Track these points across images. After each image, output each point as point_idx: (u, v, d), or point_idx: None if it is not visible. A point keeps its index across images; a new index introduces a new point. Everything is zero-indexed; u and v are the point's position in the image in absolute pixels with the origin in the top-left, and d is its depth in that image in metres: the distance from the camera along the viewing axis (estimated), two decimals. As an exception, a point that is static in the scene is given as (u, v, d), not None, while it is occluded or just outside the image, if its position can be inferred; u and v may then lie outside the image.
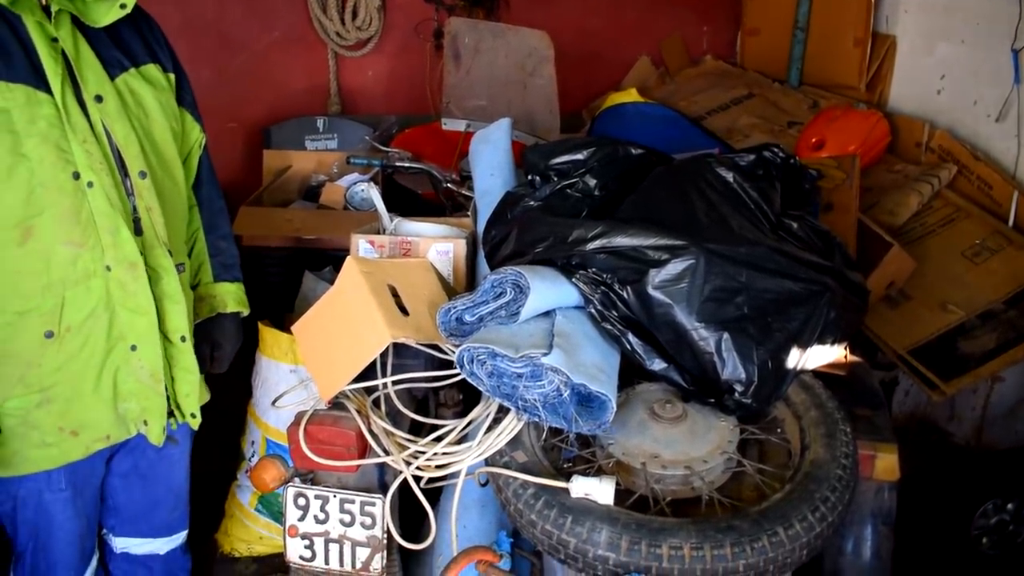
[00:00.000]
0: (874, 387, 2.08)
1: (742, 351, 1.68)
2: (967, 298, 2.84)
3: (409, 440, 1.77)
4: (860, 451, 1.74)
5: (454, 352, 1.72)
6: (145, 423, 1.83)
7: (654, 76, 4.70)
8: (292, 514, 1.83)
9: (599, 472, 1.63)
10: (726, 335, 1.68)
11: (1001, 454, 3.19)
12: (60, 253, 1.64)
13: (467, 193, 2.92)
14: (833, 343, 1.82)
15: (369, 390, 1.87)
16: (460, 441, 1.76)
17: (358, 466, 1.79)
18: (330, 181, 3.45)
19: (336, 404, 1.84)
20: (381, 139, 3.77)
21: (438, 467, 1.73)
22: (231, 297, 2.06)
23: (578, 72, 4.03)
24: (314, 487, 1.83)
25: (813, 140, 3.28)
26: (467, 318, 1.74)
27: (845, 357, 2.03)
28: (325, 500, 1.81)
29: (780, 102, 3.98)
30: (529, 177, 2.14)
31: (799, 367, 1.76)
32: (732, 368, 1.68)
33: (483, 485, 1.84)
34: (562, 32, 3.61)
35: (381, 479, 1.86)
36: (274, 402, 2.13)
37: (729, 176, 1.97)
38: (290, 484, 1.83)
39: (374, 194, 2.29)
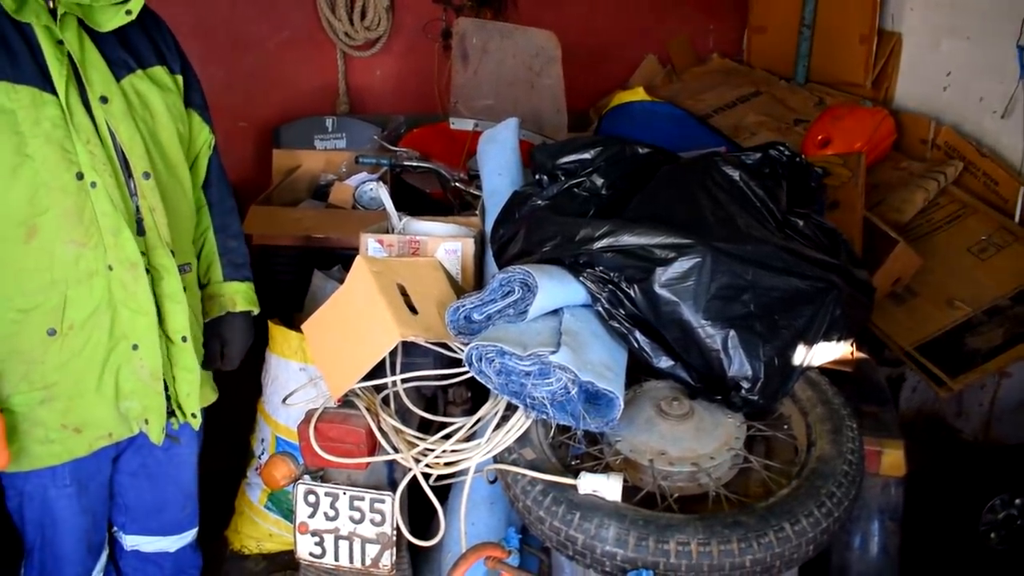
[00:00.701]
0: (880, 384, 2.08)
1: (748, 348, 1.68)
2: (973, 294, 2.84)
3: (418, 438, 1.78)
4: (866, 447, 1.75)
5: (463, 350, 1.74)
6: (146, 422, 1.85)
7: (661, 75, 4.70)
8: (302, 511, 1.84)
9: (607, 469, 1.64)
10: (733, 332, 1.69)
11: (1009, 449, 3.19)
12: (63, 252, 1.67)
13: (475, 192, 2.93)
14: (839, 340, 1.83)
15: (378, 388, 1.89)
16: (469, 439, 1.77)
17: (368, 463, 1.81)
18: (339, 180, 3.46)
19: (346, 402, 1.85)
20: (389, 139, 3.78)
21: (447, 464, 1.74)
22: (241, 296, 2.08)
23: (585, 71, 4.03)
24: (324, 484, 1.84)
25: (819, 138, 3.28)
26: (475, 316, 1.75)
27: (851, 354, 2.03)
28: (335, 497, 1.82)
29: (787, 100, 3.98)
30: (536, 176, 2.15)
31: (805, 364, 1.77)
32: (739, 365, 1.68)
33: (492, 482, 1.86)
34: (569, 31, 3.61)
35: (390, 476, 1.87)
36: (285, 399, 2.15)
37: (735, 175, 1.98)
38: (300, 481, 1.85)
39: (383, 193, 2.31)
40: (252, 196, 3.28)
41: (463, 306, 1.76)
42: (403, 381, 1.87)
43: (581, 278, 1.76)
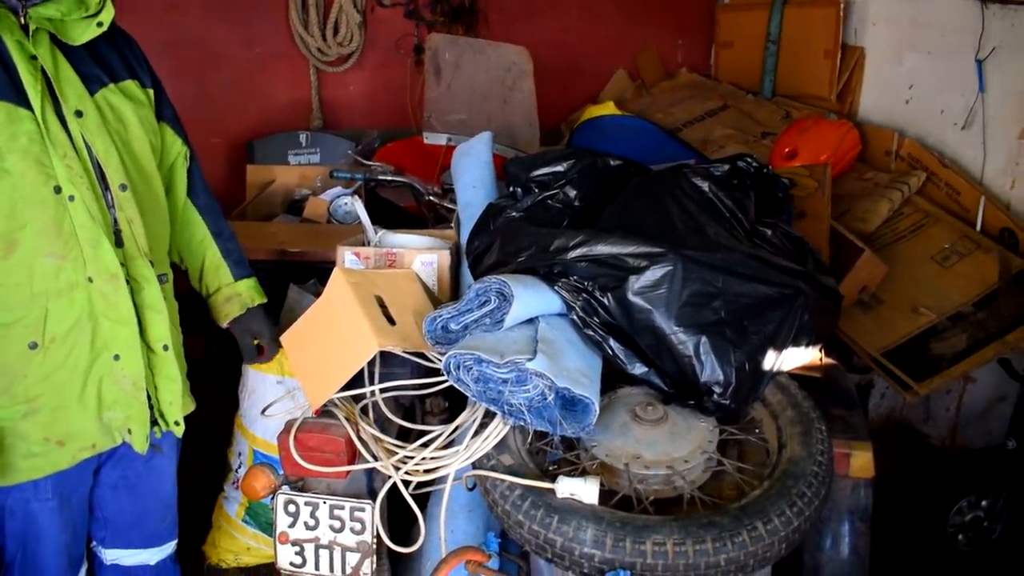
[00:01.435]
0: (849, 388, 2.13)
1: (720, 354, 1.72)
2: (938, 301, 2.90)
3: (398, 446, 1.80)
4: (835, 449, 1.79)
5: (440, 360, 1.76)
6: (129, 431, 1.85)
7: (631, 89, 4.77)
8: (282, 521, 1.85)
9: (583, 474, 1.66)
10: (704, 339, 1.72)
11: (975, 453, 3.26)
12: (43, 265, 1.67)
13: (449, 205, 2.96)
14: (808, 345, 1.87)
15: (357, 398, 1.91)
16: (447, 447, 1.79)
17: (348, 472, 1.82)
18: (313, 195, 3.48)
19: (325, 413, 1.87)
20: (363, 153, 3.81)
21: (427, 471, 1.76)
22: (254, 291, 2.15)
23: (556, 86, 4.08)
24: (304, 494, 1.85)
25: (786, 150, 3.34)
26: (452, 326, 1.77)
27: (820, 360, 2.07)
28: (315, 506, 1.83)
29: (754, 113, 4.04)
30: (511, 188, 2.18)
31: (775, 369, 1.81)
32: (711, 371, 1.72)
33: (471, 489, 1.88)
34: (540, 46, 3.66)
35: (370, 485, 1.89)
36: (264, 411, 2.16)
37: (704, 185, 2.03)
38: (280, 492, 1.86)
39: (359, 207, 2.33)
40: (226, 211, 3.24)
41: (440, 316, 1.78)
42: (382, 391, 1.89)
43: (556, 287, 1.79)
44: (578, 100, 4.63)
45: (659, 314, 1.73)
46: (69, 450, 1.79)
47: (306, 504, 1.84)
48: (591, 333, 1.78)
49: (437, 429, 1.82)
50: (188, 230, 2.08)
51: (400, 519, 1.89)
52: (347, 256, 2.21)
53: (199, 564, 2.79)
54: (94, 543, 2.06)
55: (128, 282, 1.76)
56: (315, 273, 2.84)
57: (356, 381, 1.86)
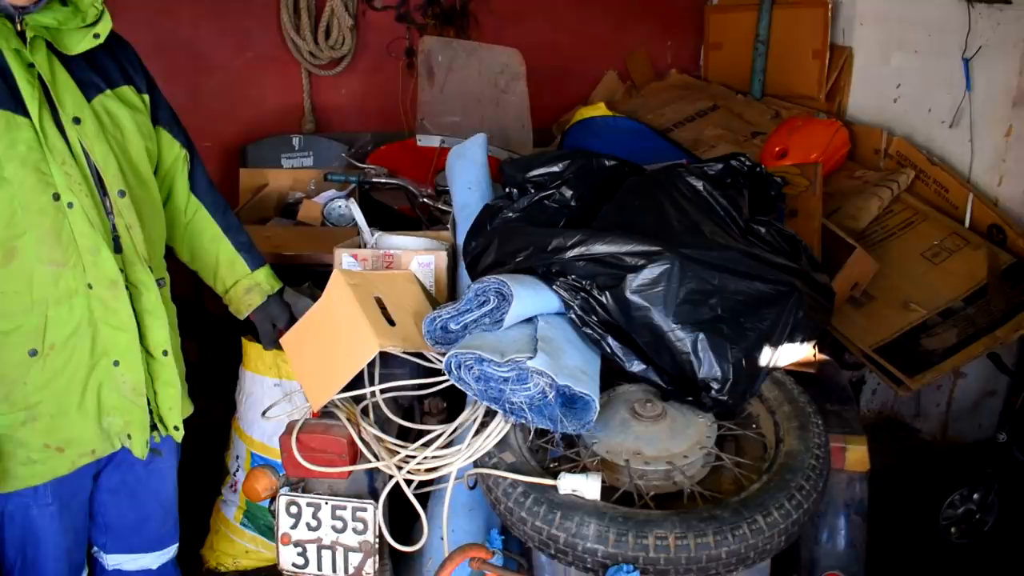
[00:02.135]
0: (842, 384, 2.15)
1: (717, 351, 1.74)
2: (928, 297, 2.92)
3: (399, 445, 1.81)
4: (831, 444, 1.81)
5: (440, 360, 1.77)
6: (128, 436, 1.86)
7: (621, 90, 4.78)
8: (284, 522, 1.86)
9: (584, 470, 1.68)
10: (702, 336, 1.74)
11: (966, 447, 3.30)
12: (42, 273, 1.67)
13: (443, 207, 2.97)
14: (802, 341, 1.89)
15: (357, 399, 1.92)
16: (448, 446, 1.80)
17: (349, 472, 1.83)
18: (307, 198, 3.49)
19: (325, 414, 1.88)
20: (357, 156, 3.81)
21: (428, 470, 1.77)
22: (272, 278, 2.18)
23: (547, 87, 4.10)
24: (305, 495, 1.86)
25: (777, 149, 3.36)
26: (452, 326, 1.79)
27: (814, 356, 2.10)
28: (317, 507, 1.84)
29: (744, 113, 4.06)
30: (507, 189, 2.20)
31: (771, 365, 1.83)
32: (708, 367, 1.74)
33: (472, 488, 1.89)
34: (531, 48, 3.68)
35: (371, 485, 1.90)
36: (264, 413, 2.16)
37: (699, 184, 2.05)
38: (281, 493, 1.86)
39: (355, 209, 2.34)
40: (222, 213, 3.28)
41: (440, 316, 1.80)
42: (382, 391, 1.91)
43: (554, 286, 1.81)
44: (569, 102, 4.64)
45: (657, 312, 1.74)
46: (68, 456, 1.80)
47: (308, 505, 1.84)
48: (590, 331, 1.80)
49: (438, 428, 1.83)
50: (196, 229, 2.08)
51: (401, 519, 1.91)
52: (345, 258, 2.22)
53: (198, 568, 2.80)
54: (95, 549, 2.07)
55: (127, 288, 1.77)
56: (311, 276, 2.85)
57: (356, 382, 1.87)
